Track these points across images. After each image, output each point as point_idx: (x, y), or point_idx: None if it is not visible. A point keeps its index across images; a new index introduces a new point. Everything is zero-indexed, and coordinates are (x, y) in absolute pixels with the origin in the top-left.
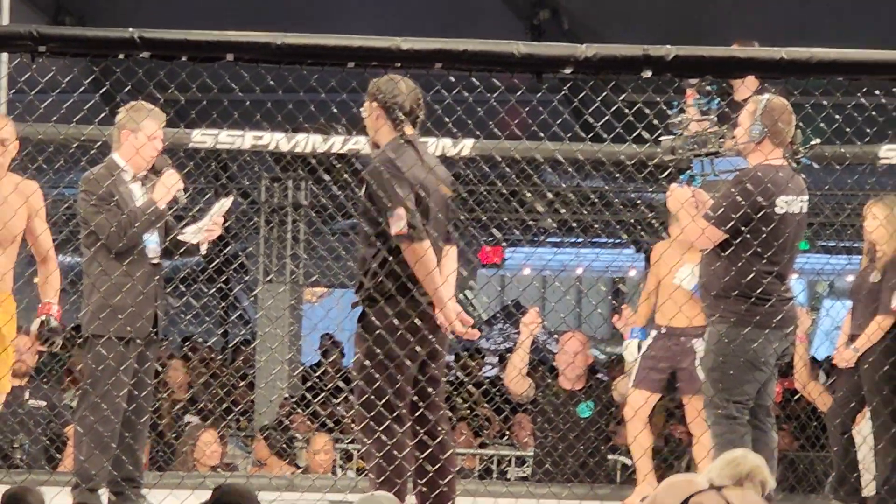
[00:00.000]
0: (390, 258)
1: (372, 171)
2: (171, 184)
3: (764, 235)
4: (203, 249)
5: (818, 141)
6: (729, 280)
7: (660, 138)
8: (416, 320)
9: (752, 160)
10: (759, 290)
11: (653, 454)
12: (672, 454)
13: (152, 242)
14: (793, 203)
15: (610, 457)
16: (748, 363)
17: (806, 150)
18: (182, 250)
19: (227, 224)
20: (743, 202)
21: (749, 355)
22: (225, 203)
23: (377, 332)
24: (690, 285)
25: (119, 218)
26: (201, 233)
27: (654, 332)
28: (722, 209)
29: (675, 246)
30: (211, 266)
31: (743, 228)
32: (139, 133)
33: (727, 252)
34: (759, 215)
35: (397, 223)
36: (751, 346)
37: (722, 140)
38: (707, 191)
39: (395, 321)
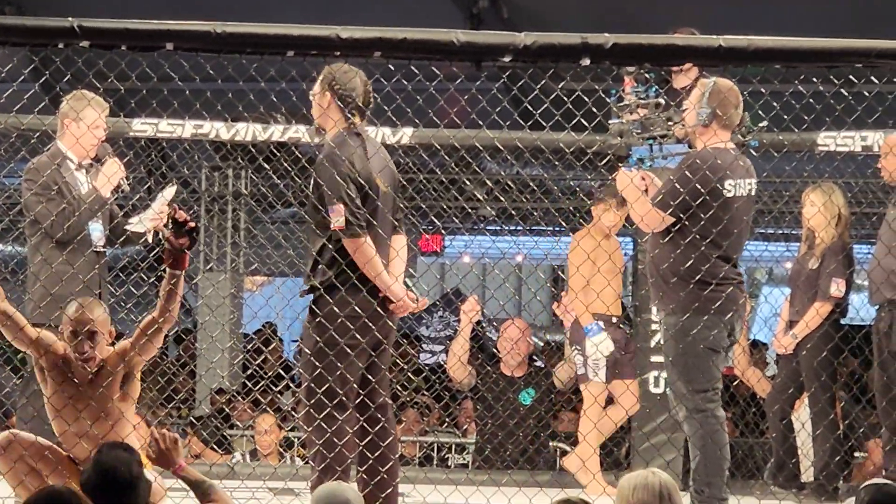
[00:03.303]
0: (335, 248)
1: (318, 163)
2: (111, 172)
3: (713, 219)
4: (150, 238)
5: (766, 123)
6: (678, 266)
7: (609, 121)
8: (361, 309)
9: (699, 143)
10: (713, 276)
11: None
12: (611, 440)
13: (96, 231)
14: (741, 186)
15: (550, 443)
16: (708, 350)
17: (754, 133)
18: (123, 239)
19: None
20: (691, 186)
21: (709, 342)
22: (168, 193)
23: (323, 321)
24: (608, 350)
25: (61, 206)
26: (147, 222)
27: (596, 324)
28: (669, 193)
29: (595, 232)
30: (151, 255)
31: (692, 213)
32: (80, 122)
33: (676, 237)
34: (707, 199)
35: (336, 219)
36: (709, 334)
37: (670, 124)
38: (655, 176)
39: (342, 310)
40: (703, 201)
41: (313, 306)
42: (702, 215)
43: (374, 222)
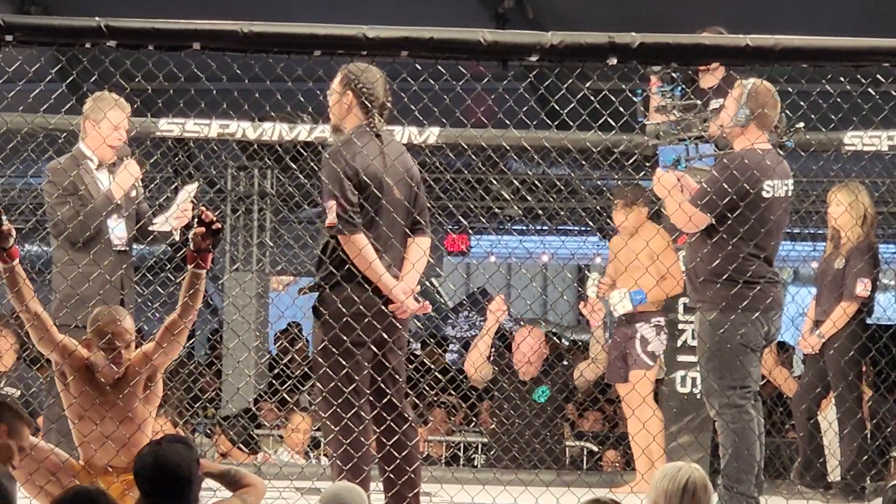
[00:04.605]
0: (337, 246)
1: (322, 160)
2: (125, 175)
3: (751, 220)
4: (177, 235)
5: (802, 125)
6: (717, 265)
7: (638, 120)
8: (364, 307)
9: (737, 145)
10: (747, 275)
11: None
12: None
13: (118, 230)
14: (778, 187)
15: (577, 443)
16: (740, 347)
17: (790, 134)
18: (150, 238)
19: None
20: (729, 187)
21: (741, 339)
22: (190, 189)
23: (325, 319)
24: (624, 309)
25: (79, 208)
26: (171, 220)
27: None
28: (708, 194)
29: (623, 233)
30: (178, 255)
31: (730, 213)
32: (103, 122)
33: (714, 237)
34: (745, 200)
35: (328, 215)
36: (741, 331)
37: (706, 125)
38: (690, 176)
39: (343, 308)
40: (743, 202)
41: (316, 304)
42: (740, 216)
43: (380, 221)
